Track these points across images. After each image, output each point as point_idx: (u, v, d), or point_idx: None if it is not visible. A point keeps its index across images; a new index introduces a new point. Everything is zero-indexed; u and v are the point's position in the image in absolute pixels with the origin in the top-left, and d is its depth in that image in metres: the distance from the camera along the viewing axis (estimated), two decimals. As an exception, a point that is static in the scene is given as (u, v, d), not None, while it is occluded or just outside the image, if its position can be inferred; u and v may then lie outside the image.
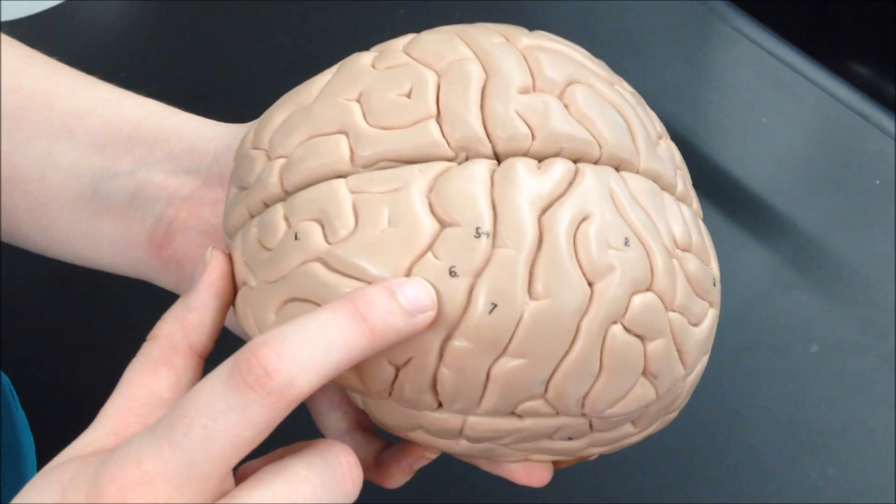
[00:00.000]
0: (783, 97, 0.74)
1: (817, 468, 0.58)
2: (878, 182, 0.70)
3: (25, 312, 0.62)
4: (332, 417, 0.41)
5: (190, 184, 0.43)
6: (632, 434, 0.38)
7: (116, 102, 0.45)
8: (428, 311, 0.32)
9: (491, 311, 0.32)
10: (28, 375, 0.59)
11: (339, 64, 0.39)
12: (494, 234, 0.33)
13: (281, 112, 0.38)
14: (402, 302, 0.32)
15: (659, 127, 0.40)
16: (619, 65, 0.76)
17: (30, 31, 0.75)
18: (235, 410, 0.30)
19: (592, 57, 0.40)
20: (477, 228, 0.33)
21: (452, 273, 0.33)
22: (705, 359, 0.39)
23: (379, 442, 0.41)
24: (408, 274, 0.33)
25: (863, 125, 0.72)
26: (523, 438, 0.36)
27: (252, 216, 0.37)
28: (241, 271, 0.36)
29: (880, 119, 0.72)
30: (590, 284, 0.33)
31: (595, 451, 0.39)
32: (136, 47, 0.77)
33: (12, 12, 0.76)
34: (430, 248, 0.33)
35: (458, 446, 0.37)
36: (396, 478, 0.40)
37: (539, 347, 0.33)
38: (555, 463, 0.41)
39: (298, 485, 0.31)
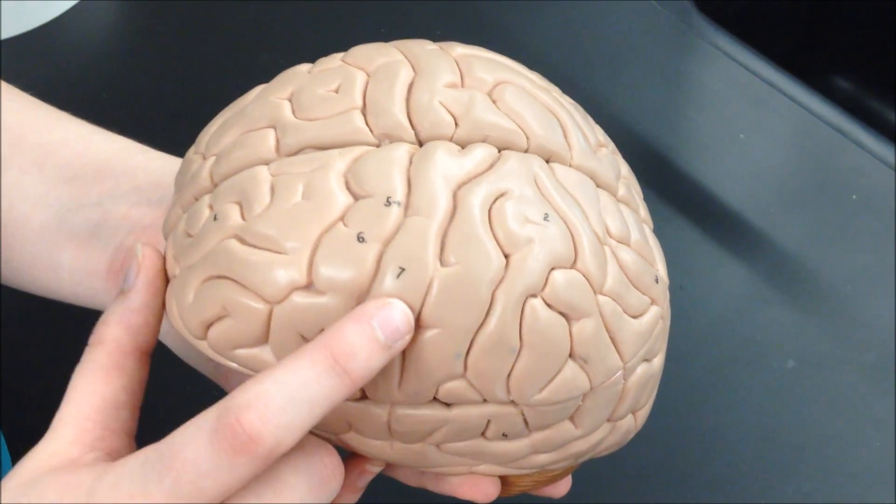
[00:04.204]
0: (760, 113, 0.74)
1: (794, 483, 0.58)
2: (854, 197, 0.70)
3: (2, 327, 0.63)
4: None
5: (151, 213, 0.43)
6: (575, 436, 0.37)
7: (87, 138, 0.46)
8: (405, 335, 0.32)
9: (399, 276, 0.32)
10: (5, 391, 0.59)
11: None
12: (407, 205, 0.33)
13: (220, 118, 0.39)
14: (381, 338, 0.32)
15: (602, 137, 0.40)
16: (598, 81, 0.76)
17: (12, 52, 0.76)
18: (223, 470, 0.30)
19: (531, 70, 0.40)
20: (388, 198, 0.33)
21: (360, 239, 0.32)
22: (657, 363, 0.39)
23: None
24: (317, 244, 0.33)
25: (839, 140, 0.72)
26: (455, 434, 0.36)
27: (185, 213, 0.37)
28: (171, 265, 0.37)
29: (857, 134, 0.72)
30: (506, 255, 0.33)
31: (541, 460, 0.38)
32: (119, 67, 0.79)
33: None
34: (340, 218, 0.33)
35: (393, 450, 0.37)
36: (344, 495, 0.39)
37: (452, 317, 0.32)
38: (508, 485, 0.40)
39: (287, 493, 0.32)
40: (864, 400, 0.61)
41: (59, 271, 0.44)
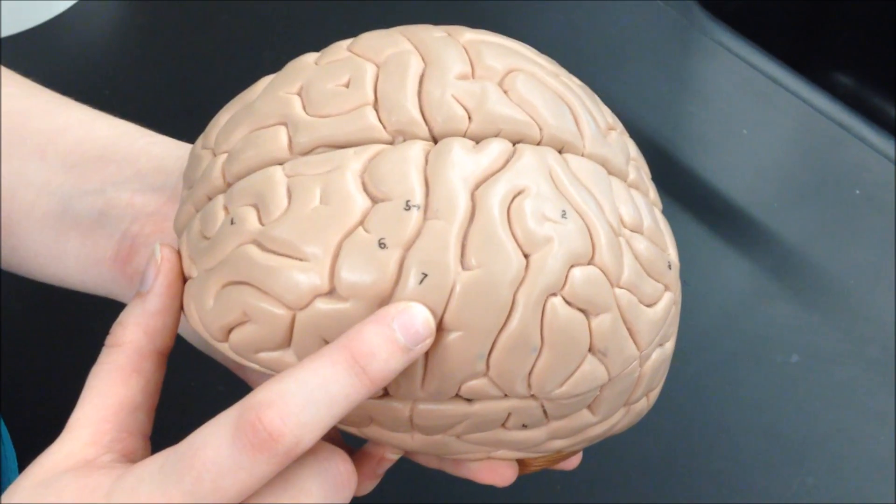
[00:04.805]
0: (764, 108, 0.74)
1: (798, 478, 0.58)
2: (858, 192, 0.70)
3: (5, 323, 0.63)
4: None
5: (155, 200, 0.43)
6: (592, 423, 0.37)
7: (90, 123, 0.45)
8: (426, 340, 0.32)
9: (421, 282, 0.32)
10: (8, 386, 0.59)
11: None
12: (426, 208, 0.33)
13: (227, 112, 0.39)
14: (401, 340, 0.32)
15: (610, 119, 0.40)
16: (602, 77, 0.76)
17: (12, 51, 0.76)
18: (243, 469, 0.31)
19: (539, 53, 0.40)
20: (407, 201, 0.33)
21: (382, 245, 0.32)
22: (669, 346, 0.39)
23: (343, 450, 0.42)
24: (338, 250, 0.33)
25: (843, 135, 0.72)
26: (476, 426, 0.36)
27: (197, 211, 0.37)
28: (187, 265, 0.37)
29: (860, 129, 0.72)
30: (525, 256, 0.33)
31: (558, 445, 0.38)
32: (120, 65, 0.78)
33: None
34: (360, 223, 0.33)
35: (414, 440, 0.37)
36: (364, 483, 0.40)
37: (475, 319, 0.33)
38: (523, 465, 0.41)
39: (302, 498, 0.33)
40: (868, 394, 0.61)
41: (65, 259, 0.44)
